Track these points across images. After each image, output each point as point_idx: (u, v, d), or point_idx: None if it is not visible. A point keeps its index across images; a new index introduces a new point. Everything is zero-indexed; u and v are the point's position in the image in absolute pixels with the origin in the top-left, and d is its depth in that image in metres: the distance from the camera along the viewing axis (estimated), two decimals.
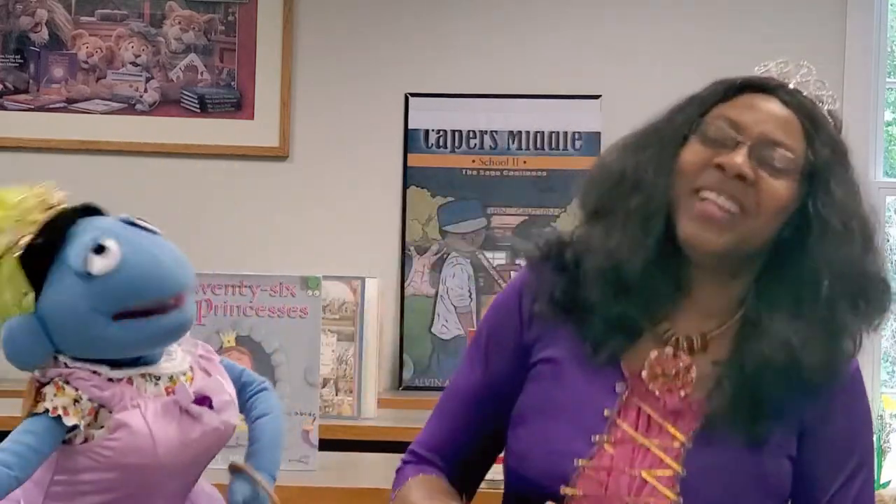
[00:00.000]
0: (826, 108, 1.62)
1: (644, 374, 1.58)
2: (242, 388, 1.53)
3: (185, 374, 1.41)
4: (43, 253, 1.36)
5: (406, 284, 4.14)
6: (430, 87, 4.19)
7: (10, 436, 1.34)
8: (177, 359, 1.42)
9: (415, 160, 4.17)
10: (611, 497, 1.53)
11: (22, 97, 4.21)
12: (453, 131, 4.17)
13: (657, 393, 1.57)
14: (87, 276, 1.34)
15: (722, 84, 1.64)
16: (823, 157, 1.57)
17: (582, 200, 1.66)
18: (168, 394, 1.37)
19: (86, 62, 4.21)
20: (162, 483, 1.37)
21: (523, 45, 4.17)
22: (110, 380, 1.36)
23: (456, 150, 4.16)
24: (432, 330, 4.11)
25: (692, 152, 1.57)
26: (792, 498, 1.60)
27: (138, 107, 4.20)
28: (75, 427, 1.34)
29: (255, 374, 1.55)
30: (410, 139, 4.18)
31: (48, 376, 1.37)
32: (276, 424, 1.52)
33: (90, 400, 1.34)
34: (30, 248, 1.36)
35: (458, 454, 1.69)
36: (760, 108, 1.58)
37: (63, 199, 1.43)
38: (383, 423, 3.02)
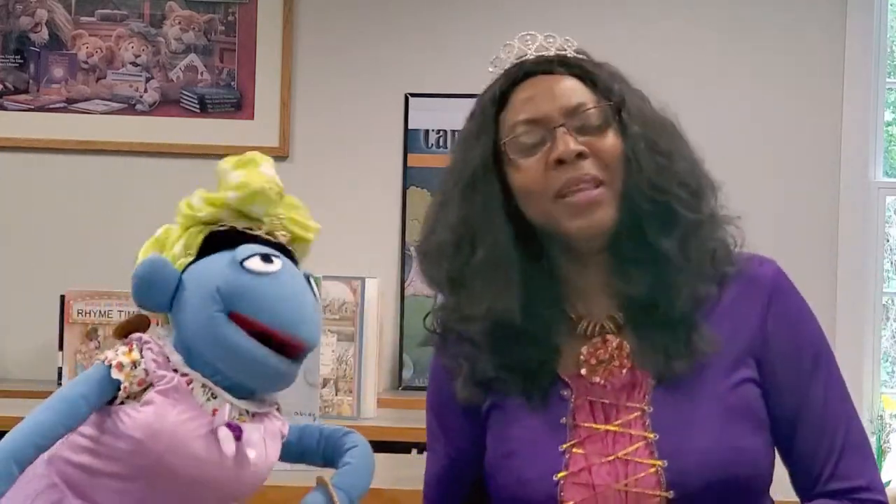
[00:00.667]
0: (572, 51, 1.64)
1: (583, 371, 1.60)
2: (329, 437, 1.52)
3: (240, 414, 1.40)
4: (226, 239, 1.39)
5: (406, 284, 4.14)
6: (430, 87, 4.19)
7: (69, 381, 1.36)
8: (247, 400, 1.41)
9: (415, 160, 4.17)
10: (603, 492, 1.53)
11: (22, 97, 4.21)
12: (453, 131, 4.17)
13: (601, 381, 1.59)
14: (240, 266, 1.36)
15: (487, 98, 1.63)
16: (615, 91, 1.60)
17: (433, 279, 1.66)
18: (213, 414, 1.37)
19: (86, 62, 4.21)
20: (164, 481, 1.36)
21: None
22: (175, 370, 1.37)
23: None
24: None
25: (523, 171, 1.58)
26: (771, 419, 1.60)
27: (138, 107, 4.21)
28: (119, 386, 1.35)
29: (337, 426, 1.55)
30: (410, 139, 4.18)
31: (131, 337, 1.39)
32: (369, 454, 1.51)
33: (146, 370, 1.36)
34: (221, 231, 1.40)
35: None
36: (539, 91, 1.59)
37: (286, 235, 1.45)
38: (383, 423, 3.02)
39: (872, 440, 4.17)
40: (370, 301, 3.01)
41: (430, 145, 4.17)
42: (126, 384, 1.35)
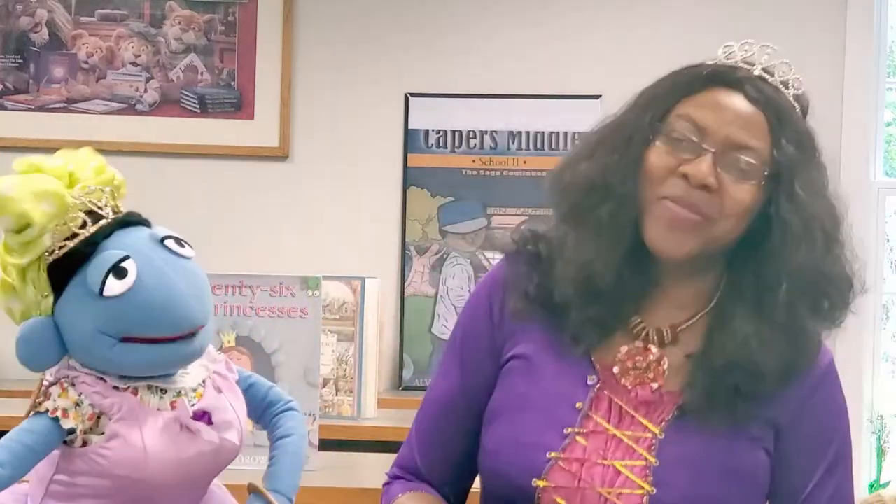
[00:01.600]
0: (792, 93, 1.61)
1: (615, 369, 1.59)
2: (268, 407, 1.52)
3: (194, 391, 1.40)
4: (70, 262, 1.35)
5: (406, 284, 4.14)
6: (430, 87, 4.19)
7: (10, 432, 1.34)
8: (190, 374, 1.41)
9: (415, 160, 4.17)
10: (584, 488, 1.53)
11: (22, 97, 4.21)
12: (453, 131, 4.17)
13: (629, 386, 1.58)
14: (100, 295, 1.33)
15: (685, 76, 1.62)
16: (788, 156, 1.57)
17: (554, 203, 1.65)
18: (172, 408, 1.37)
19: (86, 62, 4.21)
20: (158, 497, 1.36)
21: (523, 46, 4.17)
22: (115, 388, 1.35)
23: (456, 150, 4.16)
24: (432, 330, 4.11)
25: (657, 157, 1.57)
26: (770, 494, 1.60)
27: (138, 107, 4.21)
28: (73, 430, 1.34)
29: (282, 393, 1.54)
30: (410, 139, 4.18)
31: (56, 376, 1.37)
32: (298, 446, 1.51)
33: (91, 405, 1.34)
34: (57, 261, 1.36)
35: (445, 465, 1.69)
36: (726, 107, 1.56)
37: (117, 203, 1.40)
38: (383, 423, 3.02)
39: (872, 440, 4.17)
40: (370, 301, 3.01)
41: (430, 145, 4.17)
42: (79, 427, 1.34)
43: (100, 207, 1.39)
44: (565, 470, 1.54)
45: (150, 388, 1.37)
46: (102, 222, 1.37)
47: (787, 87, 1.61)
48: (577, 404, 1.57)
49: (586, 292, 1.58)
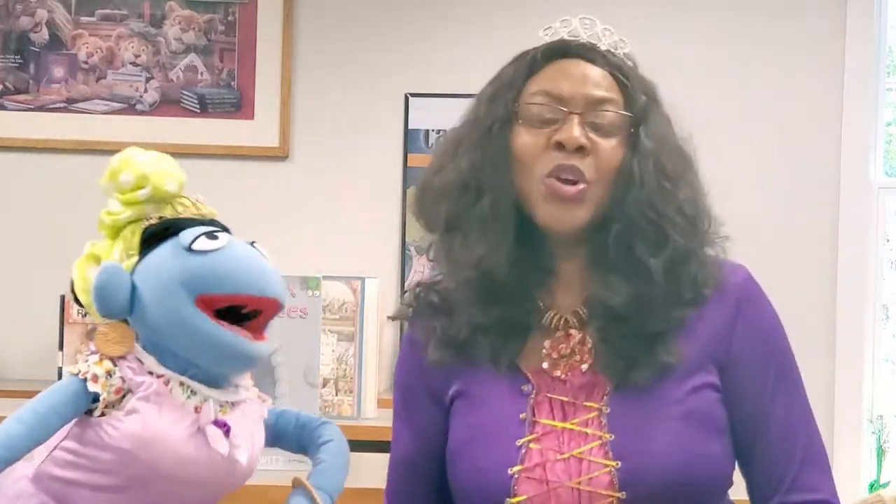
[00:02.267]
0: (622, 52, 1.66)
1: (545, 364, 1.61)
2: (303, 428, 1.53)
3: (220, 406, 1.40)
4: (165, 230, 1.40)
5: (406, 284, 4.14)
6: (430, 87, 4.19)
7: (41, 393, 1.34)
8: (224, 389, 1.41)
9: (415, 160, 4.17)
10: (556, 489, 1.54)
11: (22, 97, 4.21)
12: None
13: (562, 376, 1.60)
14: (189, 249, 1.37)
15: (524, 58, 1.66)
16: (640, 105, 1.61)
17: (429, 219, 1.67)
18: (195, 411, 1.37)
19: (86, 62, 4.21)
20: (156, 487, 1.36)
21: (523, 46, 4.16)
22: (150, 372, 1.36)
23: None
24: None
25: (525, 140, 1.59)
26: (731, 427, 1.60)
27: (138, 107, 4.21)
28: (97, 398, 1.34)
29: (312, 415, 1.55)
30: (410, 139, 4.18)
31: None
32: (344, 449, 1.51)
33: (122, 378, 1.35)
34: (156, 223, 1.41)
35: None
36: (573, 72, 1.61)
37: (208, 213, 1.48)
38: (383, 423, 3.02)
39: (872, 440, 4.17)
40: (370, 301, 3.01)
41: (430, 145, 4.17)
42: (104, 395, 1.34)
43: (199, 212, 1.47)
44: (531, 479, 1.55)
45: (182, 384, 1.37)
46: (203, 211, 1.46)
47: (615, 50, 1.66)
48: (521, 415, 1.59)
49: (486, 293, 1.59)
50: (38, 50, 4.21)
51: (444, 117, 4.17)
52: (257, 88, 4.19)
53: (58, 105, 4.20)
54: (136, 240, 1.40)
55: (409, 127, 4.18)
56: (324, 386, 2.91)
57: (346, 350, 2.99)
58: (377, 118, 4.20)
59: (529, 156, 1.58)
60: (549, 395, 1.59)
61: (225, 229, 1.45)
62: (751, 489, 1.64)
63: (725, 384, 1.60)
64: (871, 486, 4.12)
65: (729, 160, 3.99)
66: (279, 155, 4.19)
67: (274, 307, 1.41)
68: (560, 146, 1.56)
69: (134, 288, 1.38)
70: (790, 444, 1.61)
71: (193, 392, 1.38)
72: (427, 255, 1.71)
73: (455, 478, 1.63)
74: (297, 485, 1.46)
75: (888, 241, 4.30)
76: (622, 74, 1.62)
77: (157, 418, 1.34)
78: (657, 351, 1.57)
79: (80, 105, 4.20)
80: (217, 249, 1.38)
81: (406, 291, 1.75)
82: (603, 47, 1.65)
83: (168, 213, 1.43)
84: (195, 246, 1.37)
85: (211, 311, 1.36)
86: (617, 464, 1.53)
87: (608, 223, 1.59)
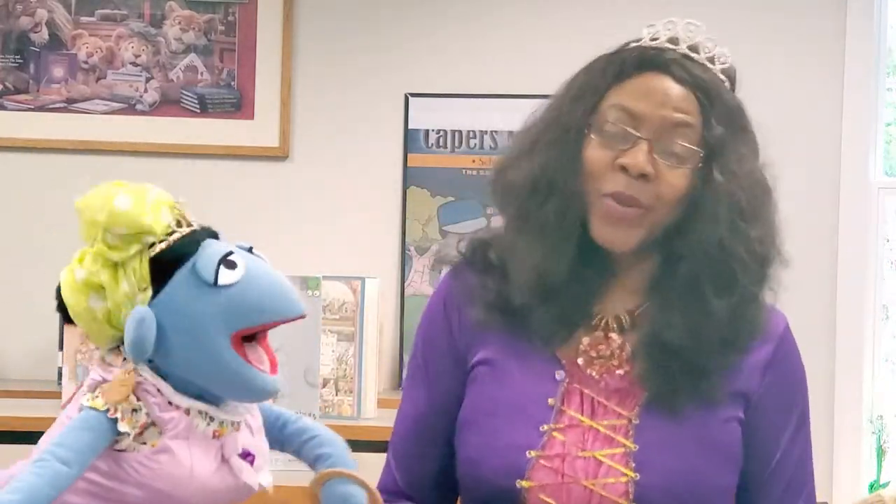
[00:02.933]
0: (719, 68, 1.64)
1: (580, 360, 1.60)
2: (285, 425, 1.51)
3: (234, 425, 1.39)
4: (173, 259, 1.35)
5: (406, 284, 4.14)
6: (430, 87, 4.19)
7: (66, 428, 1.33)
8: (237, 409, 1.40)
9: (415, 160, 4.17)
10: (568, 483, 1.53)
11: (22, 97, 4.21)
12: (453, 131, 4.17)
13: (596, 376, 1.59)
14: (214, 286, 1.34)
15: (613, 63, 1.63)
16: (716, 137, 1.58)
17: (499, 206, 1.67)
18: (215, 437, 1.36)
19: (86, 62, 4.21)
20: None
21: (523, 45, 4.17)
22: (170, 403, 1.35)
23: (456, 150, 4.16)
24: None
25: (594, 152, 1.58)
26: (744, 463, 1.61)
27: (138, 107, 4.21)
28: (123, 435, 1.33)
29: (290, 413, 1.53)
30: (410, 139, 4.18)
31: (115, 374, 1.36)
32: (342, 441, 1.49)
33: (147, 415, 1.34)
34: (164, 251, 1.36)
35: (426, 480, 1.69)
36: (656, 91, 1.58)
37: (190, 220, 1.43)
38: (383, 423, 3.02)
39: (872, 440, 4.17)
40: (370, 301, 3.01)
41: (430, 145, 4.17)
42: (131, 434, 1.33)
43: (184, 217, 1.42)
44: (547, 467, 1.54)
45: (200, 411, 1.36)
46: (193, 228, 1.40)
47: (713, 63, 1.64)
48: (549, 401, 1.58)
49: (542, 293, 1.59)
50: (38, 50, 4.21)
51: (444, 117, 4.19)
52: (257, 88, 4.19)
53: (58, 105, 4.20)
54: (146, 272, 1.36)
55: (409, 127, 4.18)
56: (324, 386, 2.91)
57: (346, 350, 2.99)
58: (377, 118, 4.20)
59: (595, 170, 1.57)
60: (581, 387, 1.59)
61: (214, 235, 1.43)
62: None
63: (748, 420, 1.61)
64: (871, 486, 4.12)
65: None
66: (279, 155, 4.19)
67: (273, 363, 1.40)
68: (624, 169, 1.55)
69: (159, 328, 1.35)
70: (794, 492, 1.64)
71: (212, 418, 1.37)
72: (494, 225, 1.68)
73: (464, 446, 1.62)
74: (330, 477, 1.42)
75: (888, 241, 4.30)
76: (707, 98, 1.59)
77: (187, 455, 1.33)
78: (702, 388, 1.57)
79: (80, 105, 4.20)
80: (241, 279, 1.35)
81: (461, 240, 1.73)
82: (699, 59, 1.62)
83: (162, 231, 1.37)
84: (220, 281, 1.34)
85: (240, 342, 1.35)
86: (636, 476, 1.53)
87: (672, 244, 1.58)
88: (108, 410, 1.32)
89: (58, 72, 4.21)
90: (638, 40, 1.66)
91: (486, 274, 1.64)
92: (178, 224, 1.39)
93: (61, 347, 3.55)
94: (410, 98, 4.18)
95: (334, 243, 4.15)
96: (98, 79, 4.21)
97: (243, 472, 1.36)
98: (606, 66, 1.63)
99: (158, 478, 1.32)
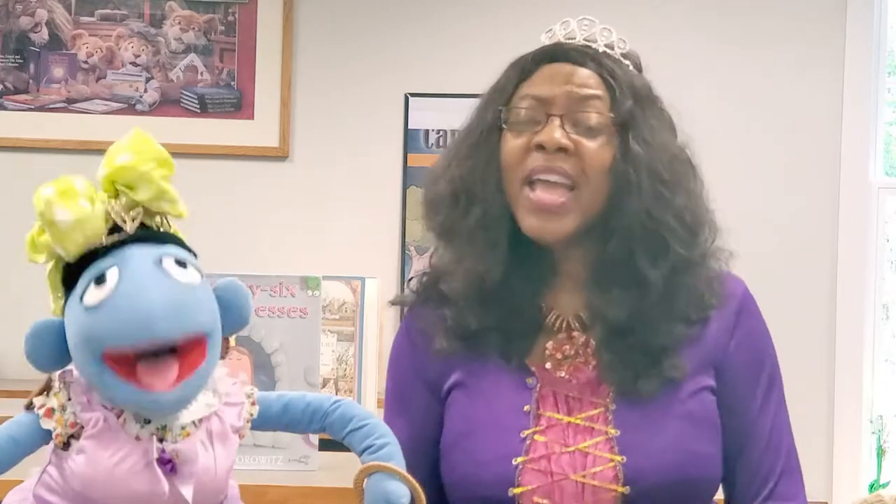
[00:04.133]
0: (619, 52, 1.65)
1: (548, 365, 1.61)
2: (314, 414, 1.44)
3: (183, 428, 1.35)
4: (78, 268, 1.33)
5: (406, 284, 4.14)
6: (430, 87, 4.19)
7: (9, 420, 1.34)
8: (189, 408, 1.35)
9: (415, 160, 4.17)
10: (559, 481, 1.54)
11: (22, 97, 4.21)
12: (453, 131, 4.16)
13: (566, 376, 1.60)
14: (80, 303, 1.30)
15: (516, 65, 1.66)
16: (626, 108, 1.58)
17: (429, 227, 1.67)
18: (157, 439, 1.34)
19: (86, 62, 4.21)
20: None
21: (523, 45, 4.16)
22: (103, 404, 1.34)
23: None
24: None
25: (510, 144, 1.59)
26: (722, 428, 1.62)
27: (138, 107, 4.21)
28: (51, 432, 1.33)
29: (323, 396, 1.46)
30: (410, 139, 4.18)
31: (57, 374, 1.36)
32: (387, 428, 1.44)
33: (74, 413, 1.33)
34: (71, 263, 1.34)
35: None
36: (559, 75, 1.60)
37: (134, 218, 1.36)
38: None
39: (872, 440, 4.17)
40: (370, 301, 3.01)
41: (430, 145, 4.17)
42: (59, 431, 1.32)
43: (124, 221, 1.35)
44: (536, 470, 1.55)
45: (136, 414, 1.34)
46: (116, 235, 1.33)
47: (612, 49, 1.65)
48: (525, 407, 1.59)
49: (484, 300, 1.59)
50: (38, 50, 4.21)
51: (444, 117, 4.19)
52: (257, 88, 4.19)
53: (58, 105, 4.20)
54: (58, 280, 1.34)
55: (409, 127, 4.18)
56: (324, 386, 2.91)
57: (346, 350, 2.99)
58: (377, 118, 4.20)
59: (512, 160, 1.58)
60: (553, 389, 1.60)
61: (143, 237, 1.34)
62: (729, 493, 1.66)
63: (720, 388, 1.62)
64: (871, 486, 4.12)
65: (729, 161, 3.99)
66: (279, 155, 4.19)
67: (187, 344, 1.30)
68: (541, 147, 1.56)
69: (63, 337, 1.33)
70: (774, 454, 1.64)
71: (147, 421, 1.34)
72: (430, 254, 1.71)
73: (451, 469, 1.62)
74: (375, 470, 1.37)
75: (888, 241, 4.30)
76: (611, 76, 1.61)
77: (105, 457, 1.30)
78: (663, 366, 1.57)
79: (80, 105, 4.20)
80: (104, 299, 1.28)
81: (412, 278, 1.74)
82: (599, 48, 1.64)
83: (76, 249, 1.33)
84: (85, 301, 1.29)
85: (126, 362, 1.29)
86: (622, 459, 1.54)
87: (605, 227, 1.58)
88: (34, 407, 1.33)
89: (58, 72, 4.21)
90: (537, 45, 1.68)
91: (442, 305, 1.65)
92: (115, 226, 1.34)
93: None
94: (410, 98, 4.18)
95: (334, 243, 4.15)
96: (98, 79, 4.21)
97: (161, 479, 1.32)
98: (510, 70, 1.66)
99: (74, 479, 1.31)
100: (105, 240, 1.33)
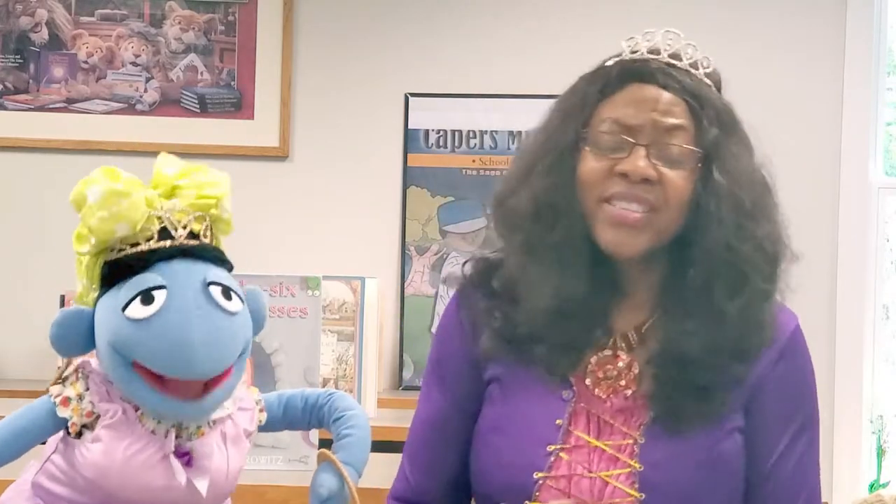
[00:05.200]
0: (703, 72, 1.62)
1: (588, 381, 1.60)
2: (313, 408, 1.51)
3: (198, 428, 1.38)
4: (123, 268, 1.34)
5: (406, 284, 4.14)
6: (430, 87, 4.19)
7: (17, 410, 1.35)
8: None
9: (414, 160, 4.17)
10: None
11: (22, 97, 4.21)
12: (453, 131, 4.17)
13: (603, 396, 1.59)
14: (122, 312, 1.32)
15: (597, 79, 1.62)
16: (711, 137, 1.57)
17: (503, 234, 1.65)
18: (166, 436, 1.36)
19: (86, 62, 4.21)
20: None
21: (523, 45, 4.17)
22: (121, 397, 1.35)
23: (456, 150, 4.16)
24: (432, 330, 4.11)
25: (590, 165, 1.57)
26: (744, 467, 1.60)
27: (138, 107, 4.21)
28: (67, 420, 1.34)
29: (317, 390, 1.53)
30: (410, 139, 4.18)
31: (76, 364, 1.38)
32: (365, 420, 1.49)
33: (91, 403, 1.34)
34: (116, 260, 1.35)
35: (441, 485, 1.69)
36: (645, 99, 1.57)
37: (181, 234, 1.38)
38: (383, 423, 3.02)
39: (872, 440, 4.17)
40: (370, 301, 3.01)
41: (430, 145, 4.17)
42: (74, 420, 1.33)
43: (175, 228, 1.37)
44: (554, 488, 1.54)
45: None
46: (165, 243, 1.36)
47: (696, 69, 1.62)
48: (557, 421, 1.58)
49: (559, 318, 1.58)
50: (38, 50, 4.21)
51: (444, 117, 4.19)
52: (257, 88, 4.19)
53: (58, 105, 4.20)
54: (97, 273, 1.36)
55: (409, 127, 4.18)
56: (324, 386, 2.91)
57: (346, 350, 2.99)
58: (377, 118, 4.20)
59: (593, 180, 1.57)
60: (587, 407, 1.58)
61: (190, 251, 1.38)
62: None
63: (748, 424, 1.60)
64: (871, 486, 4.12)
65: None
66: (279, 155, 4.19)
67: (212, 380, 1.34)
68: (624, 176, 1.55)
69: (95, 324, 1.35)
70: (793, 493, 1.62)
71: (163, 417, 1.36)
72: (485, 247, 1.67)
73: (476, 457, 1.62)
74: (324, 459, 1.44)
75: (888, 241, 4.30)
76: (697, 102, 1.58)
77: (120, 448, 1.32)
78: (710, 403, 1.56)
79: (80, 105, 4.20)
80: (147, 318, 1.31)
81: (468, 261, 1.71)
82: (683, 66, 1.61)
83: (143, 236, 1.35)
84: (127, 313, 1.31)
85: (146, 376, 1.33)
86: (641, 496, 1.53)
87: (680, 252, 1.57)
88: (52, 395, 1.34)
89: (58, 72, 4.21)
90: (618, 55, 1.65)
91: (492, 299, 1.63)
92: (164, 231, 1.36)
93: None
94: (410, 98, 4.18)
95: (334, 243, 4.15)
96: (98, 79, 4.21)
97: (177, 471, 1.34)
98: (591, 83, 1.63)
99: (88, 467, 1.32)
100: (153, 244, 1.35)
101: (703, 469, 1.55)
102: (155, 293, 1.32)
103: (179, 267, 1.35)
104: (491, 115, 4.13)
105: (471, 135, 4.15)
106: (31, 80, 4.21)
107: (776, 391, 1.61)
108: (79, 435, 1.34)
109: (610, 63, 1.63)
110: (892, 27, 4.28)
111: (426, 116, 4.18)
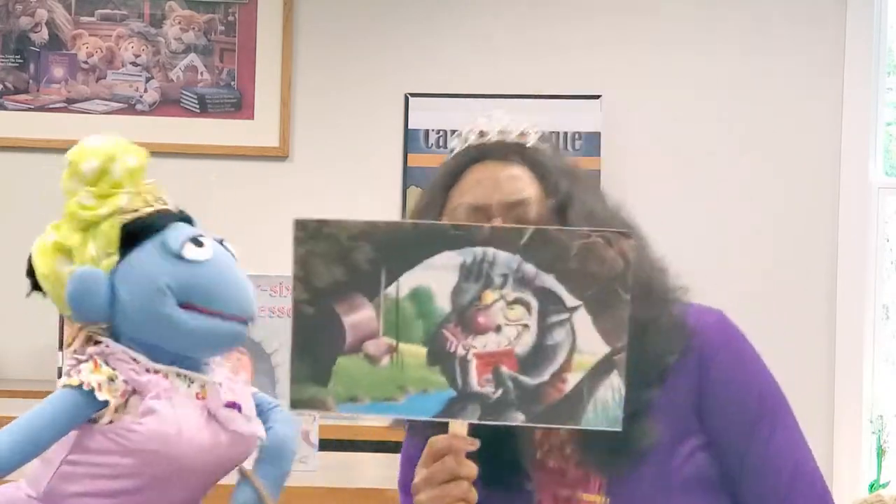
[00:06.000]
0: (534, 138, 1.65)
1: (538, 454, 1.59)
2: (258, 406, 1.54)
3: (203, 388, 1.42)
4: (145, 229, 1.41)
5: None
6: (430, 87, 4.19)
7: (34, 408, 1.35)
8: (212, 370, 1.45)
9: (414, 160, 4.17)
10: None
11: (22, 97, 4.21)
12: (453, 131, 4.16)
13: (557, 466, 1.58)
14: (179, 257, 1.39)
15: (441, 173, 1.67)
16: (563, 193, 1.59)
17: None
18: (198, 398, 1.38)
19: (86, 62, 4.21)
20: (177, 480, 1.36)
21: (523, 45, 4.17)
22: (147, 370, 1.37)
23: None
24: None
25: None
26: (721, 469, 1.58)
27: (138, 107, 4.21)
28: (105, 405, 1.34)
29: (267, 397, 1.57)
30: (410, 139, 4.18)
31: (87, 353, 1.38)
32: (290, 435, 1.52)
33: (125, 381, 1.35)
34: (135, 220, 1.42)
35: None
36: (486, 179, 1.61)
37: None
38: (383, 423, 3.01)
39: (872, 440, 4.17)
40: None
41: (430, 145, 4.17)
42: (113, 401, 1.34)
43: (164, 202, 1.49)
44: None
45: (179, 375, 1.38)
46: (169, 206, 1.47)
47: (526, 136, 1.66)
48: None
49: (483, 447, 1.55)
50: (38, 50, 4.21)
51: (444, 117, 4.19)
52: (257, 88, 4.19)
53: (58, 105, 4.20)
54: (115, 237, 1.40)
55: (409, 127, 4.18)
56: None
57: None
58: (377, 118, 4.20)
59: None
60: (553, 489, 1.58)
61: (188, 220, 1.48)
62: None
63: (708, 432, 1.58)
64: (872, 486, 4.12)
65: (728, 161, 3.98)
66: (279, 155, 4.19)
67: (250, 321, 1.46)
68: None
69: (115, 291, 1.38)
70: (773, 474, 1.58)
71: (191, 380, 1.39)
72: None
73: None
74: (244, 476, 1.47)
75: (888, 241, 4.30)
76: (538, 168, 1.61)
77: (174, 413, 1.35)
78: (632, 438, 1.52)
79: (80, 105, 4.20)
80: (205, 260, 1.41)
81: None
82: (511, 139, 1.65)
83: (139, 204, 1.44)
84: (185, 254, 1.39)
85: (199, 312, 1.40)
86: None
87: None
88: (80, 386, 1.34)
89: (58, 72, 4.21)
90: (455, 148, 1.71)
91: (431, 428, 1.60)
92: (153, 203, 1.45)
93: (61, 347, 3.55)
94: (410, 98, 4.18)
95: None
96: (98, 79, 4.21)
97: (233, 421, 1.38)
98: (438, 179, 1.67)
99: (149, 440, 1.33)
100: (158, 206, 1.46)
101: (677, 499, 1.54)
102: (202, 239, 1.42)
103: (192, 227, 1.46)
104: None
105: None
106: (31, 80, 4.21)
107: (720, 395, 1.58)
108: (109, 421, 1.35)
109: (453, 152, 1.70)
110: (892, 27, 4.28)
111: (426, 116, 4.18)
